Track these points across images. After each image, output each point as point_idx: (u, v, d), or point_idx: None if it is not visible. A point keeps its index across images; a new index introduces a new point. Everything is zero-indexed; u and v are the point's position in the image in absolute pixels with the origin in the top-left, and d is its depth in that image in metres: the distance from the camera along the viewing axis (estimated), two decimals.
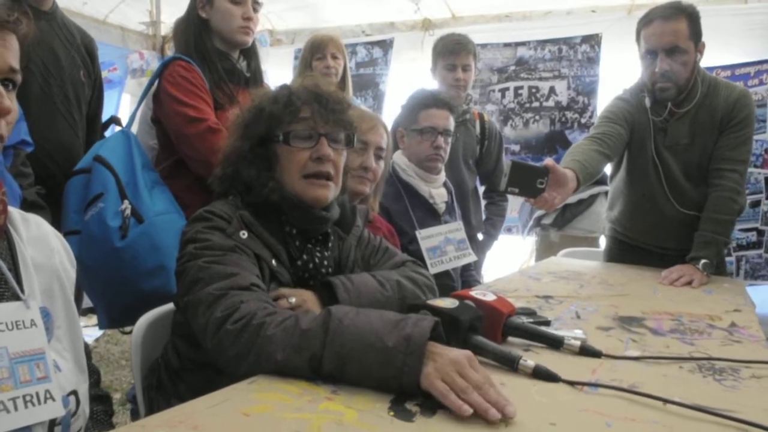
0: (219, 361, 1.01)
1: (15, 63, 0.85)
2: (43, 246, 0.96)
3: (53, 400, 0.74)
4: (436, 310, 1.06)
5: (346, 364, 0.89)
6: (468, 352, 0.90)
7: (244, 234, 1.18)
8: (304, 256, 1.27)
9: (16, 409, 0.70)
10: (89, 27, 3.35)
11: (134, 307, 1.72)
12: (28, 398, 0.72)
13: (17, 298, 0.85)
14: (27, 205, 1.55)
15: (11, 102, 0.84)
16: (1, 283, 0.86)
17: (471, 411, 0.80)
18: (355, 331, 0.91)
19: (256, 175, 1.24)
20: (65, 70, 1.96)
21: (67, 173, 1.88)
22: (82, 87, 2.05)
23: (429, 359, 0.87)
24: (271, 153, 1.26)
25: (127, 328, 2.04)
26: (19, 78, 0.87)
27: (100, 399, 1.05)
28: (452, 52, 2.70)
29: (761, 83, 3.62)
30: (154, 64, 4.86)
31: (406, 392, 0.87)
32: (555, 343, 1.15)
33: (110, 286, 1.73)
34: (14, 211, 0.94)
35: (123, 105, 4.74)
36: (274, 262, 1.21)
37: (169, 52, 2.13)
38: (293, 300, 1.16)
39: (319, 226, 1.29)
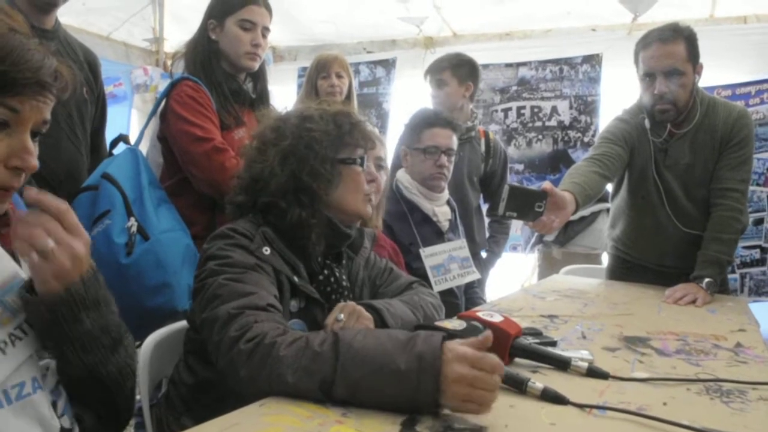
0: (230, 380, 1.01)
1: (48, 115, 0.87)
2: None
3: None
4: (443, 332, 1.06)
5: (359, 389, 0.89)
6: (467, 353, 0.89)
7: (267, 250, 1.20)
8: (325, 272, 1.31)
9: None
10: (93, 43, 3.38)
11: (136, 323, 1.72)
12: None
13: None
14: None
15: (35, 159, 0.86)
16: None
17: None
18: (367, 355, 0.90)
19: (298, 215, 1.25)
20: None
21: (71, 190, 1.89)
22: (86, 104, 2.06)
23: (442, 376, 0.86)
24: (336, 172, 1.30)
25: None
26: (47, 128, 0.89)
27: None
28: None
29: (762, 102, 3.66)
30: (158, 80, 4.92)
31: (422, 411, 0.88)
32: (562, 365, 1.15)
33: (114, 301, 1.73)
34: None
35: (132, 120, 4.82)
36: (296, 278, 1.23)
37: (172, 68, 2.15)
38: (341, 316, 1.18)
39: (342, 243, 1.36)
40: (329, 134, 1.29)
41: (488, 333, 0.91)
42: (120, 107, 4.69)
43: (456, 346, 0.89)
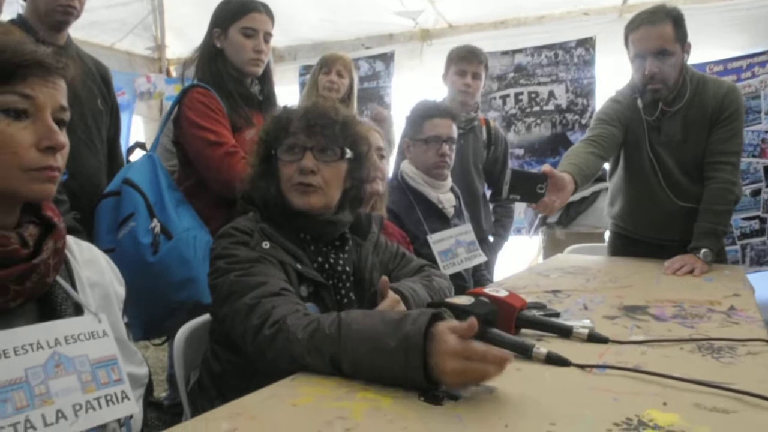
0: (260, 363, 1.11)
1: (64, 102, 0.94)
2: (96, 267, 1.07)
3: (128, 399, 0.84)
4: (453, 307, 1.15)
5: (361, 366, 0.98)
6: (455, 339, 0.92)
7: (266, 244, 1.29)
8: (319, 259, 1.37)
9: (100, 407, 0.81)
10: (97, 54, 3.48)
11: (164, 317, 1.85)
12: (108, 398, 0.82)
13: (79, 312, 0.96)
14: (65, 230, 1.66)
15: (65, 137, 0.94)
16: (64, 300, 0.97)
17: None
18: (363, 336, 0.98)
19: (266, 188, 1.37)
20: (83, 101, 2.07)
21: (92, 197, 1.99)
22: (101, 114, 2.17)
23: (431, 356, 0.91)
24: (274, 169, 1.39)
25: (156, 340, 2.16)
26: (68, 115, 0.96)
27: (154, 406, 1.14)
28: (464, 58, 2.82)
29: (754, 75, 3.72)
30: (162, 86, 5.03)
31: (420, 386, 0.93)
32: (564, 332, 1.24)
33: (144, 298, 1.83)
34: (68, 237, 1.05)
35: (134, 127, 4.93)
36: (299, 265, 1.31)
37: (183, 74, 2.25)
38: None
39: (329, 229, 1.40)
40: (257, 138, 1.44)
41: (472, 320, 0.92)
42: (123, 115, 4.81)
43: (443, 329, 0.93)
